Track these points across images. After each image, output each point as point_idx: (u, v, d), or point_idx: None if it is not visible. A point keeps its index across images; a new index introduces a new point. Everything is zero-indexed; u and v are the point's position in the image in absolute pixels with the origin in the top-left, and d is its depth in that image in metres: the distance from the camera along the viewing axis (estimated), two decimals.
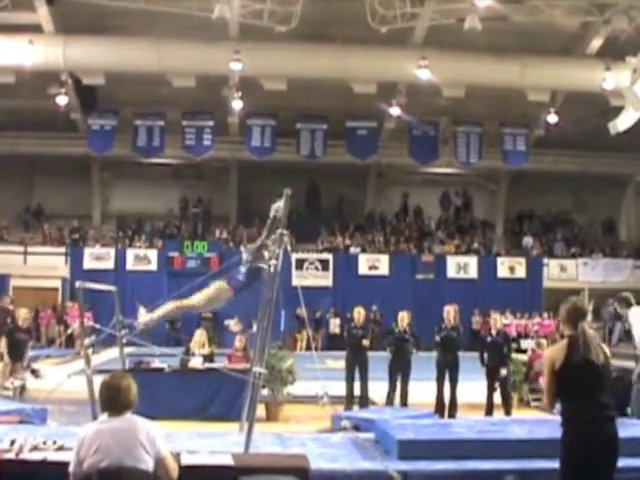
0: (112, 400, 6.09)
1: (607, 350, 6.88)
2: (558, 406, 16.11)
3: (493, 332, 15.97)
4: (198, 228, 38.67)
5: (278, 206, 9.92)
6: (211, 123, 34.11)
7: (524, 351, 21.39)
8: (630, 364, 13.72)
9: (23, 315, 17.81)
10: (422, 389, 16.07)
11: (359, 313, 16.90)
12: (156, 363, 16.00)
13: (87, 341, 10.98)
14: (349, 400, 15.98)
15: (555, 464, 8.60)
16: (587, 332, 6.81)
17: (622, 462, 6.74)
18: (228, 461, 7.54)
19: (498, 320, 16.67)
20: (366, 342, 16.36)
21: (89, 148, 34.86)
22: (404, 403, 15.80)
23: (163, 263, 35.93)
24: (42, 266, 34.99)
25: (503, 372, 15.66)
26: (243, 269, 10.34)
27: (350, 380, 16.16)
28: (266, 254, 10.06)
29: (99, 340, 11.21)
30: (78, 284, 11.65)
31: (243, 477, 6.78)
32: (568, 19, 28.18)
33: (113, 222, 39.49)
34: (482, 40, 27.64)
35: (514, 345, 17.01)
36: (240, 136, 35.57)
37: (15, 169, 37.06)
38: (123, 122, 33.97)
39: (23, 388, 17.48)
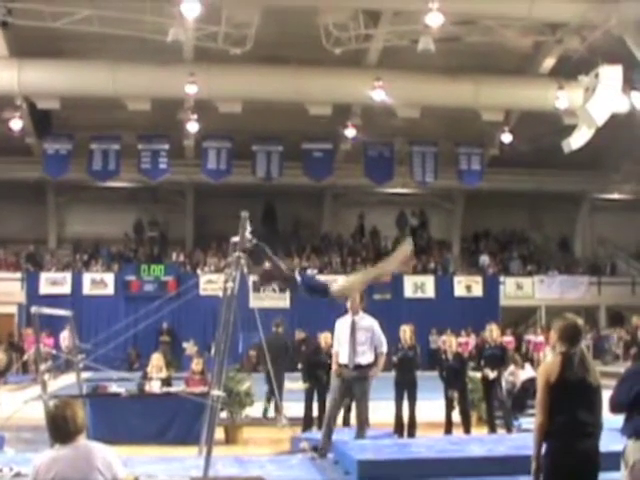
0: (60, 431, 6.03)
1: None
2: (516, 423, 16.16)
3: (449, 356, 15.94)
4: (155, 251, 38.47)
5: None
6: (167, 146, 33.96)
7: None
8: None
9: None
10: (381, 409, 16.08)
11: (326, 338, 16.43)
12: (113, 388, 15.85)
13: (43, 367, 10.90)
14: (307, 421, 15.91)
15: None
16: (585, 351, 6.79)
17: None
18: None
19: (453, 343, 16.65)
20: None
21: (44, 172, 34.44)
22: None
23: (120, 287, 35.66)
24: None
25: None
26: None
27: (309, 401, 16.08)
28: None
29: (56, 366, 11.13)
30: (34, 309, 11.59)
31: None
32: (521, 39, 28.43)
33: (69, 246, 39.17)
34: (436, 61, 27.86)
35: (471, 364, 17.03)
36: (196, 159, 35.42)
37: None
38: (78, 146, 33.64)
39: None
